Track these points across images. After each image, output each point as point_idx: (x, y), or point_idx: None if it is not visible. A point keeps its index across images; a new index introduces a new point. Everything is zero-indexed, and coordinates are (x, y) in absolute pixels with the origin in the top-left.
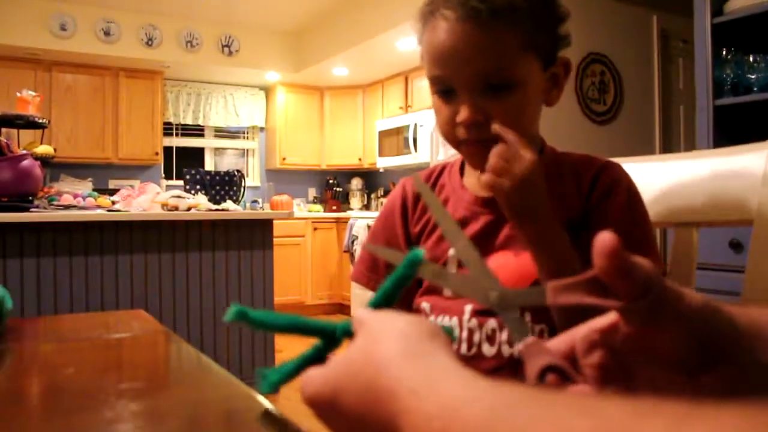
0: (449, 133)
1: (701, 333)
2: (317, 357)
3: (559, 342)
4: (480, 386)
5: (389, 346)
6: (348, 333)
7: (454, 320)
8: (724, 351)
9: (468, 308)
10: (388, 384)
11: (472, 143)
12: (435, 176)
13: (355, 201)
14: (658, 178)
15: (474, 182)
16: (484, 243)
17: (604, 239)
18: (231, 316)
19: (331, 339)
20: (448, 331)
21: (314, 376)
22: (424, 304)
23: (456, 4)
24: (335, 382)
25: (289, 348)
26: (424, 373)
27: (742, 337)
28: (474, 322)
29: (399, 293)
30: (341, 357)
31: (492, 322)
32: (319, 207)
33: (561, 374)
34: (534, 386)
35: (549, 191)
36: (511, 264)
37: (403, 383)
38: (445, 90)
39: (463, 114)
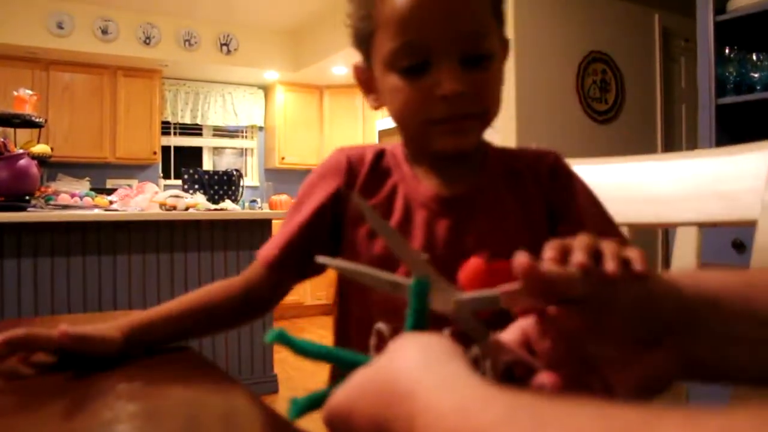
0: (419, 113)
1: (645, 317)
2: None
3: (512, 332)
4: (493, 390)
5: (408, 356)
6: None
7: None
8: (672, 328)
9: (446, 332)
10: (406, 386)
11: (456, 119)
12: (372, 158)
13: None
14: (660, 177)
15: (430, 176)
16: (450, 249)
17: (518, 262)
18: (272, 338)
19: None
20: None
21: (335, 393)
22: (380, 326)
23: None
24: (353, 390)
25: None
26: (441, 376)
27: (692, 311)
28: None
29: (426, 326)
30: (361, 371)
31: (475, 350)
32: None
33: (525, 367)
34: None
35: (511, 197)
36: (483, 274)
37: (420, 385)
38: (414, 65)
39: (448, 86)
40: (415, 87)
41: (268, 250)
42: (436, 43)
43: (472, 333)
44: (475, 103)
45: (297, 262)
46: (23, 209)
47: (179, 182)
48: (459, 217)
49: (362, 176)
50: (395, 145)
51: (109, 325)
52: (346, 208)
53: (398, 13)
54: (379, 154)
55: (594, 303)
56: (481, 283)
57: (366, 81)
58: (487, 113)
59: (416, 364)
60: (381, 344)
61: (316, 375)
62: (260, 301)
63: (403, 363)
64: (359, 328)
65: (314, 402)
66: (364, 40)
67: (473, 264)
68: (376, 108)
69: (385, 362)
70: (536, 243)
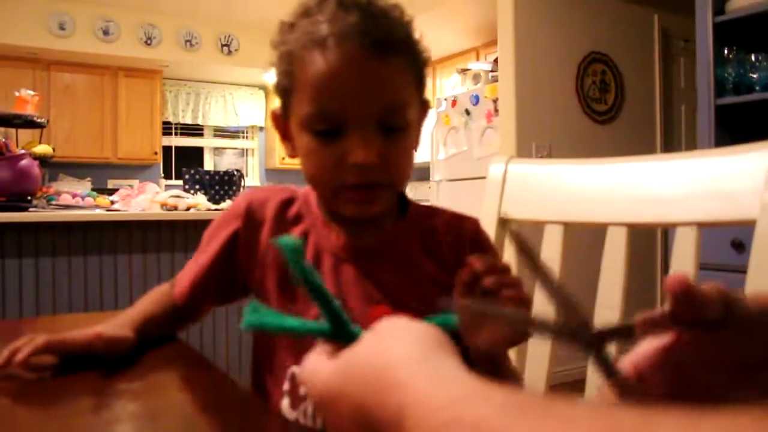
0: (330, 177)
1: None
2: (320, 333)
3: (625, 368)
4: (489, 387)
5: (400, 347)
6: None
7: None
8: None
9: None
10: (398, 376)
11: (362, 188)
12: (279, 205)
13: None
14: (660, 177)
15: (336, 226)
16: (358, 297)
17: (675, 279)
18: (247, 325)
19: (342, 332)
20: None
21: (322, 368)
22: (296, 369)
23: (353, 32)
24: (343, 375)
25: None
26: (434, 372)
27: None
28: None
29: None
30: (349, 353)
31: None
32: None
33: None
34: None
35: (424, 255)
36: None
37: (414, 377)
38: (329, 130)
39: (360, 155)
40: (328, 151)
41: (179, 287)
42: (352, 113)
43: (603, 367)
44: (385, 174)
45: (209, 297)
46: (25, 209)
47: (180, 182)
48: (365, 263)
49: (268, 222)
50: (308, 190)
51: (115, 325)
52: (249, 250)
53: (316, 80)
54: (289, 201)
55: (727, 328)
56: None
57: (283, 128)
58: (396, 184)
59: (411, 354)
60: (294, 389)
61: None
62: (189, 318)
63: (397, 351)
64: (270, 367)
65: (272, 325)
66: (282, 93)
67: (381, 312)
68: (292, 157)
69: (376, 348)
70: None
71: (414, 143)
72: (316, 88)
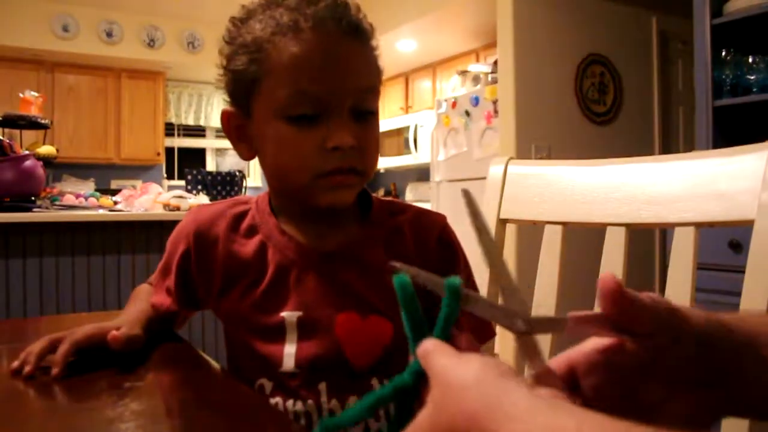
0: (309, 163)
1: (703, 352)
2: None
3: (560, 362)
4: (564, 419)
5: (473, 407)
6: (420, 374)
7: (310, 404)
8: (723, 369)
9: (323, 387)
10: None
11: (342, 172)
12: (234, 216)
13: None
14: (658, 178)
15: (300, 230)
16: (324, 303)
17: (606, 282)
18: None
19: (407, 394)
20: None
21: None
22: (263, 382)
23: (328, 16)
24: None
25: None
26: (516, 425)
27: (741, 353)
28: (335, 402)
29: (450, 332)
30: (428, 425)
31: (353, 400)
32: None
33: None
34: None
35: (390, 255)
36: (359, 328)
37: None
38: (306, 115)
39: (340, 138)
40: (305, 137)
41: (153, 299)
42: (331, 95)
43: (529, 357)
44: (361, 159)
45: (181, 307)
46: (29, 210)
47: (183, 183)
48: (329, 268)
49: (222, 239)
50: (260, 197)
51: (128, 323)
52: (203, 268)
53: (296, 61)
54: (240, 214)
55: (659, 339)
56: (359, 335)
57: (237, 128)
58: (368, 170)
59: (486, 415)
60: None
61: None
62: (172, 322)
63: (476, 422)
64: (243, 370)
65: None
66: (245, 86)
67: (348, 318)
68: (249, 158)
69: (453, 422)
70: None
71: (379, 134)
72: (295, 70)
